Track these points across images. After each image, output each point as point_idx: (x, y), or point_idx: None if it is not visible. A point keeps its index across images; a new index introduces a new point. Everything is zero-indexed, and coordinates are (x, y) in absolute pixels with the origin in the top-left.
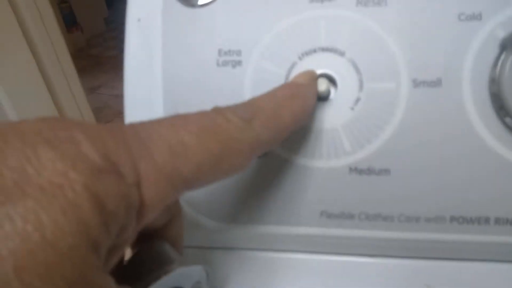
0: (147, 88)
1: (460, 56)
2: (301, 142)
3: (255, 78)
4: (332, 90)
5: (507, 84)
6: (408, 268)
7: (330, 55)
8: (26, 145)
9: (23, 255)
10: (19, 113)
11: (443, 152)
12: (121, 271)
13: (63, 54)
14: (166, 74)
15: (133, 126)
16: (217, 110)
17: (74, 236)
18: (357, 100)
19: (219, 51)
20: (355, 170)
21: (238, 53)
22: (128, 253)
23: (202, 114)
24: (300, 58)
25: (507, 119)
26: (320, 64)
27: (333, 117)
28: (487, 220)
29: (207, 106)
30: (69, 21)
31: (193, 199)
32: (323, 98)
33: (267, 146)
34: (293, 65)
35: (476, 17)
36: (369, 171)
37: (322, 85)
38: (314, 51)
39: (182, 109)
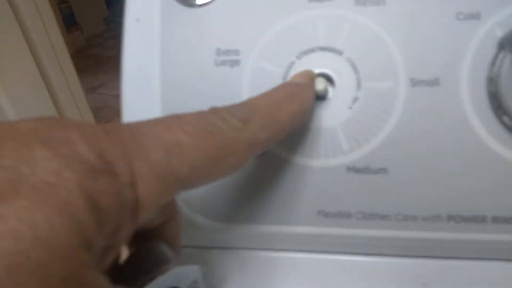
0: (145, 87)
1: (458, 55)
2: (298, 141)
3: (253, 78)
4: (330, 89)
5: (505, 83)
6: (405, 267)
7: (328, 54)
8: (21, 145)
9: (15, 254)
10: (18, 113)
11: (440, 151)
12: (118, 271)
13: (63, 54)
14: (164, 73)
15: (129, 125)
16: (213, 110)
17: (68, 235)
18: (355, 99)
19: (217, 51)
20: (352, 169)
21: (236, 52)
22: (125, 253)
23: (198, 114)
24: (298, 58)
25: (505, 118)
26: (318, 64)
27: (331, 116)
28: (484, 219)
29: (205, 105)
30: (69, 21)
31: (190, 199)
32: (321, 97)
33: (264, 146)
34: (291, 65)
35: (475, 16)
36: (367, 170)
37: (320, 84)
38: (312, 50)
39: (180, 109)
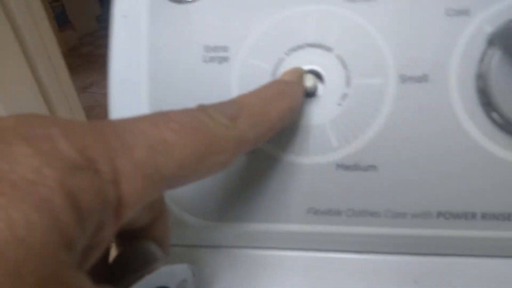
0: (133, 85)
1: (447, 51)
2: (288, 138)
3: (242, 74)
4: (320, 86)
5: (494, 79)
6: (396, 264)
7: (317, 51)
8: (1, 141)
9: None
10: (10, 113)
11: (430, 147)
12: (108, 271)
13: (55, 53)
14: (152, 71)
15: (113, 122)
16: (201, 108)
17: (46, 233)
18: (344, 96)
19: (206, 47)
20: (342, 166)
21: (225, 49)
22: (113, 253)
23: (185, 112)
24: (287, 54)
25: (494, 115)
26: (307, 60)
27: (320, 113)
28: (473, 215)
29: (194, 103)
30: (61, 20)
31: (179, 197)
32: (310, 94)
33: (252, 144)
34: (280, 61)
35: (464, 12)
36: (356, 167)
37: (309, 81)
38: (302, 47)
39: (168, 106)
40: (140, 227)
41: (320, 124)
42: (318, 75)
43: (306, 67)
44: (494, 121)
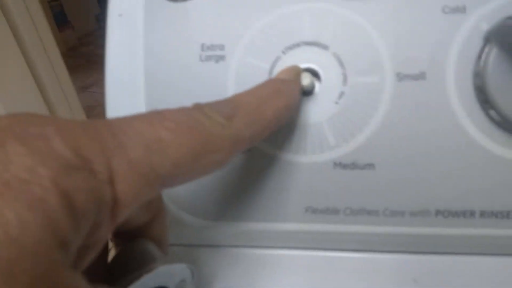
0: (129, 84)
1: (444, 49)
2: (285, 137)
3: (238, 73)
4: (317, 84)
5: (491, 77)
6: (395, 263)
7: (314, 49)
8: None
9: None
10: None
11: (427, 146)
12: (107, 271)
13: (54, 53)
14: (148, 70)
15: (108, 122)
16: (197, 106)
17: (40, 232)
18: (341, 94)
19: (202, 46)
20: (339, 164)
21: (221, 47)
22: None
23: (181, 110)
24: (284, 53)
25: (492, 112)
26: (304, 58)
27: (317, 112)
28: (472, 213)
29: (190, 102)
30: (60, 20)
31: (177, 197)
32: (307, 92)
33: (248, 143)
34: (277, 60)
35: (460, 9)
36: (354, 166)
37: (306, 79)
38: (298, 45)
39: (165, 105)
40: (138, 227)
41: (317, 122)
42: (315, 74)
43: (303, 65)
44: (492, 118)
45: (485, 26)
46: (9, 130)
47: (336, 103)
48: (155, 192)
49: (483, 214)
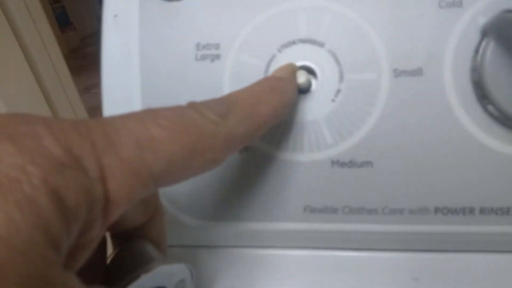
0: (125, 84)
1: (441, 44)
2: (282, 136)
3: (234, 72)
4: (313, 82)
5: (489, 71)
6: (394, 261)
7: (309, 46)
8: None
9: None
10: None
11: (425, 142)
12: (105, 272)
13: (56, 54)
14: (144, 70)
15: (100, 120)
16: (191, 105)
17: (30, 232)
18: (338, 91)
19: (197, 45)
20: (337, 163)
21: (217, 46)
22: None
23: (174, 109)
24: (279, 51)
25: (490, 107)
26: (300, 56)
27: (314, 110)
28: (471, 210)
29: (186, 101)
30: (62, 21)
31: (175, 198)
32: (303, 90)
33: (244, 141)
34: (272, 58)
35: (457, 3)
36: (351, 164)
37: (302, 77)
38: (294, 43)
39: (161, 105)
40: (135, 227)
41: (314, 120)
42: (311, 71)
43: (299, 63)
44: (490, 114)
45: (482, 20)
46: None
47: (333, 100)
48: (149, 190)
49: (483, 211)
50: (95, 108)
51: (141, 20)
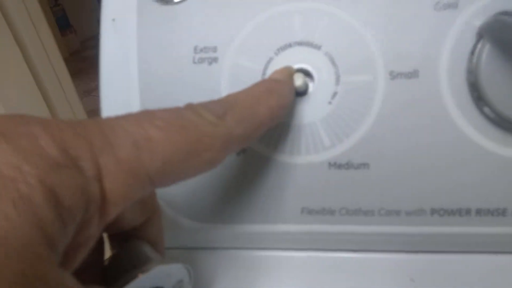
0: (124, 88)
1: (436, 46)
2: (279, 138)
3: (231, 75)
4: (310, 84)
5: (484, 73)
6: (392, 262)
7: (306, 49)
8: None
9: None
10: None
11: (422, 144)
12: (101, 273)
13: (56, 57)
14: (142, 73)
15: (96, 121)
16: (189, 106)
17: (25, 230)
18: (335, 94)
19: (195, 48)
20: (334, 165)
21: (214, 49)
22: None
23: (172, 110)
24: (276, 54)
25: (486, 109)
26: (296, 59)
27: (311, 112)
28: (468, 212)
29: (184, 104)
30: (62, 24)
31: (172, 199)
32: (300, 93)
33: (241, 142)
34: (269, 61)
35: (452, 5)
36: (348, 166)
37: (298, 79)
38: (290, 45)
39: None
40: (133, 228)
41: (312, 122)
42: (308, 74)
43: (296, 65)
44: (486, 115)
45: (477, 22)
46: None
47: (330, 103)
48: (146, 190)
49: (479, 212)
50: (95, 111)
51: (139, 24)
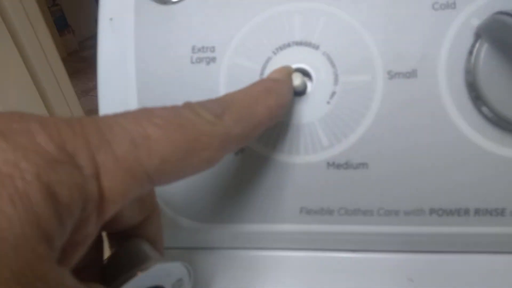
0: (121, 87)
1: (435, 46)
2: (278, 138)
3: (229, 75)
4: (308, 84)
5: (482, 73)
6: (390, 262)
7: (304, 49)
8: None
9: None
10: None
11: (420, 144)
12: (100, 271)
13: (54, 57)
14: (139, 73)
15: (94, 118)
16: (187, 105)
17: (22, 226)
18: (333, 94)
19: (193, 48)
20: (332, 164)
21: (212, 49)
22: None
23: (170, 108)
24: (274, 53)
25: (484, 109)
26: (295, 59)
27: (309, 112)
28: (466, 212)
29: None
30: (60, 24)
31: (171, 199)
32: (299, 92)
33: (239, 141)
34: (268, 60)
35: (450, 5)
36: (347, 166)
37: (297, 79)
38: (289, 45)
39: None
40: (132, 226)
41: (310, 122)
42: (306, 74)
43: (294, 65)
44: (484, 115)
45: (475, 22)
46: None
47: (328, 102)
48: (143, 189)
49: (477, 212)
50: (93, 110)
51: (137, 24)
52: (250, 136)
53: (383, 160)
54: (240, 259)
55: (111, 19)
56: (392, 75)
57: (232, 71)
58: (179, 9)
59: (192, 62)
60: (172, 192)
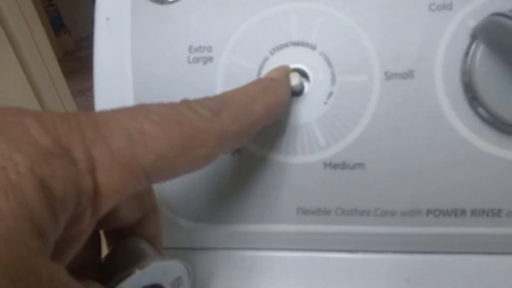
0: (118, 87)
1: (431, 47)
2: (275, 138)
3: (227, 74)
4: (306, 84)
5: (479, 74)
6: (387, 263)
7: (301, 49)
8: None
9: None
10: None
11: (417, 144)
12: (98, 269)
13: (50, 58)
14: (136, 73)
15: (90, 114)
16: (184, 102)
17: (15, 220)
18: (330, 94)
19: (190, 48)
20: (329, 165)
21: (209, 49)
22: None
23: (167, 105)
24: (271, 53)
25: (480, 110)
26: (292, 59)
27: (306, 112)
28: (463, 212)
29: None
30: (56, 24)
31: (168, 200)
32: (296, 92)
33: (236, 139)
34: (265, 60)
35: (447, 6)
36: (344, 166)
37: (294, 79)
38: (286, 45)
39: None
40: (130, 225)
41: (307, 123)
42: (303, 74)
43: (292, 66)
44: (480, 116)
45: (471, 23)
46: None
47: (325, 103)
48: (140, 185)
49: (474, 212)
50: (89, 111)
51: (133, 23)
52: (247, 134)
53: (380, 161)
54: (236, 259)
55: (107, 18)
56: (389, 75)
57: (229, 71)
58: (176, 9)
59: (189, 62)
60: (169, 192)
